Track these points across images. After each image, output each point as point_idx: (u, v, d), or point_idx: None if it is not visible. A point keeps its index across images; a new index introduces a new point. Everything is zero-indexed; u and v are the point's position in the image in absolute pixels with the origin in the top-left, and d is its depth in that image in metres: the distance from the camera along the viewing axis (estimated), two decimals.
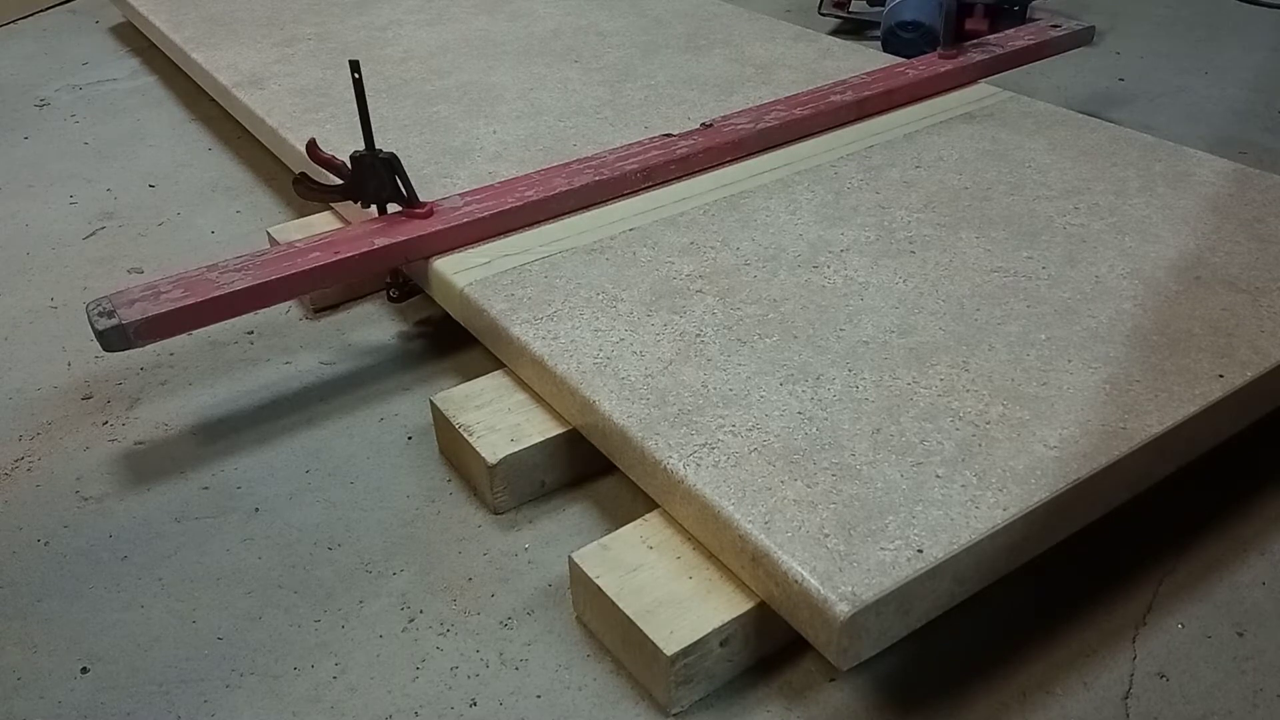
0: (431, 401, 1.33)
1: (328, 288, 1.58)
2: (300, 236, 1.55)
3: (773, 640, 1.07)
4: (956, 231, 1.46)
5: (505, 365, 1.36)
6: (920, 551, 0.96)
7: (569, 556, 1.10)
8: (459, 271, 1.43)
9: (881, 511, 1.01)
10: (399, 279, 1.54)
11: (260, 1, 2.53)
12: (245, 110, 2.01)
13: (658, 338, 1.27)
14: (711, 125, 1.72)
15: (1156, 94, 2.32)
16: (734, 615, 1.01)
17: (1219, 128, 2.15)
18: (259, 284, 1.36)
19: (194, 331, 1.54)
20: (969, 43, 2.02)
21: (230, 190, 2.05)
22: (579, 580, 1.10)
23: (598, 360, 1.24)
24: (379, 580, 1.20)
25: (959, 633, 1.10)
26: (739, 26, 2.25)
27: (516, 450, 1.24)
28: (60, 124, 2.37)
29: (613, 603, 1.04)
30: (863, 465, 1.07)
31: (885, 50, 2.34)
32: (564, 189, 1.55)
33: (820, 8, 2.80)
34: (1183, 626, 1.11)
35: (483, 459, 1.23)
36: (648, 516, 1.13)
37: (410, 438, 1.40)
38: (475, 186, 1.59)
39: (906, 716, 1.03)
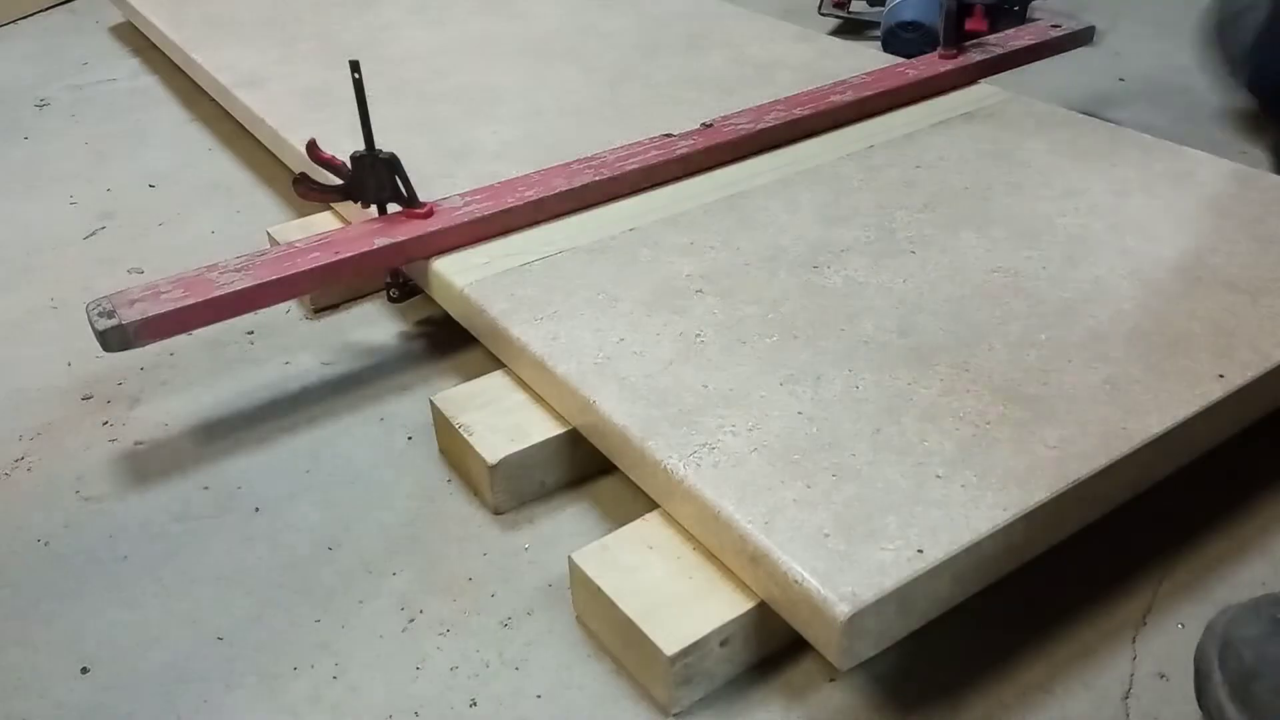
0: (431, 401, 1.33)
1: (328, 288, 1.58)
2: (300, 236, 1.55)
3: (773, 640, 1.07)
4: (956, 231, 1.46)
5: (505, 365, 1.36)
6: (920, 551, 0.96)
7: (569, 556, 1.10)
8: (459, 271, 1.43)
9: (882, 511, 1.01)
10: (399, 279, 1.54)
11: (260, 1, 2.53)
12: (245, 110, 2.01)
13: (658, 338, 1.27)
14: (711, 125, 1.72)
15: (1156, 94, 2.32)
16: (734, 615, 1.01)
17: (1219, 128, 2.15)
18: (259, 284, 1.36)
19: (194, 331, 1.54)
20: (969, 43, 2.02)
21: (230, 190, 2.05)
22: (579, 580, 1.10)
23: (598, 360, 1.24)
24: (379, 580, 1.20)
25: (959, 633, 1.10)
26: (739, 27, 2.25)
27: (516, 450, 1.24)
28: (60, 124, 2.37)
29: (613, 603, 1.04)
30: (863, 465, 1.07)
31: (885, 50, 2.34)
32: (564, 189, 1.55)
33: (820, 8, 2.80)
34: (1183, 626, 1.11)
35: (483, 459, 1.23)
36: (648, 516, 1.13)
37: (410, 438, 1.40)
38: (475, 186, 1.59)
39: (906, 716, 1.03)
